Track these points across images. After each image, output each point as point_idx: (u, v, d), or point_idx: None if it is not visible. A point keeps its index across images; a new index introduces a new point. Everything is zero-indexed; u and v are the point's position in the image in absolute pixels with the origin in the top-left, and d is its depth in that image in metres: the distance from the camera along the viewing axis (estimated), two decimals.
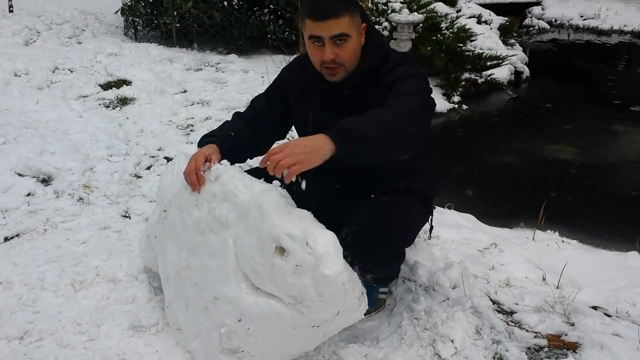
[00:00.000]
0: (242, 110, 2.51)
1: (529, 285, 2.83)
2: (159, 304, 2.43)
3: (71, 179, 3.52)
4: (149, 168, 3.79)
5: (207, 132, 2.39)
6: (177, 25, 6.36)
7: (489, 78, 5.84)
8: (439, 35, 5.72)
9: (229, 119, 2.46)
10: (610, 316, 2.52)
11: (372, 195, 2.25)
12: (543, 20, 9.21)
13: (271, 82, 2.46)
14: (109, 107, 4.74)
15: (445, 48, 5.65)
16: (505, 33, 6.86)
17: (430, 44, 5.61)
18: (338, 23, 1.99)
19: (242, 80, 5.50)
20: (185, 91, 5.19)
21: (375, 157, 1.86)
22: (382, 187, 2.25)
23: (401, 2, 6.09)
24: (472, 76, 5.82)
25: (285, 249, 1.81)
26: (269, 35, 6.28)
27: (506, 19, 7.18)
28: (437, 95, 5.60)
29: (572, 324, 2.38)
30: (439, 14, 6.03)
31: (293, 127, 2.47)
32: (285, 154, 1.76)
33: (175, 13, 6.28)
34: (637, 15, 9.36)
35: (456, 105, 5.56)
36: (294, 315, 1.87)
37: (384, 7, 6.01)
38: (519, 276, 2.89)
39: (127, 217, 3.18)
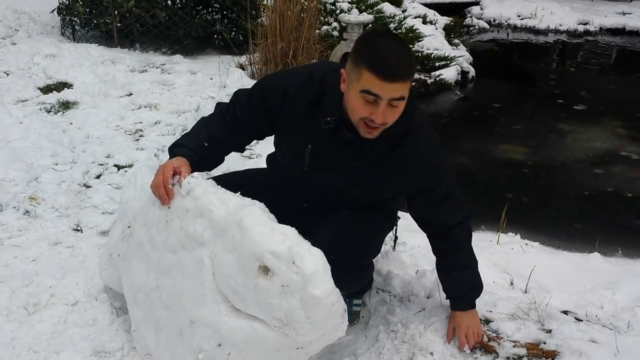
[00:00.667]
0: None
1: (498, 291, 2.81)
2: (122, 326, 2.29)
3: (15, 191, 3.31)
4: (98, 177, 3.60)
5: (179, 138, 2.21)
6: (118, 24, 6.13)
7: (437, 79, 5.85)
8: None
9: (208, 114, 2.28)
10: (581, 320, 2.53)
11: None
12: (482, 20, 9.34)
13: (257, 85, 2.20)
14: (50, 112, 4.50)
15: None
16: (450, 33, 6.91)
17: None
18: (403, 87, 1.78)
19: (190, 82, 5.33)
20: (131, 94, 4.99)
21: None
22: (351, 207, 2.17)
23: (349, 2, 6.04)
24: (422, 77, 5.82)
25: (270, 268, 1.72)
26: (216, 35, 6.12)
27: (450, 19, 7.24)
28: None
29: (549, 331, 2.36)
30: (387, 14, 6.01)
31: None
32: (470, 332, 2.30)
33: (116, 12, 6.05)
34: (571, 14, 9.62)
35: None
36: (278, 338, 1.78)
37: (332, 7, 5.94)
38: (487, 281, 2.86)
39: (78, 230, 3.01)
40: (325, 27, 5.75)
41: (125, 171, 3.66)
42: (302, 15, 5.25)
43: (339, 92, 1.94)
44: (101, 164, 3.75)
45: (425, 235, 2.33)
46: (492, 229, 3.51)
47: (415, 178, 2.04)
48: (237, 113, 2.19)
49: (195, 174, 2.02)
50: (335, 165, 2.04)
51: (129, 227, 2.19)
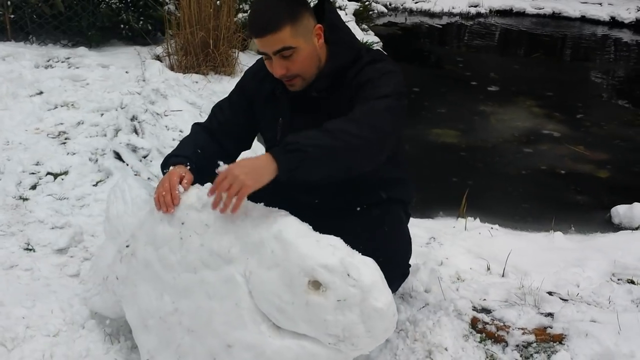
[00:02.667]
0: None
1: (479, 278, 2.84)
2: (120, 354, 2.10)
3: None
4: (34, 188, 3.28)
5: (170, 152, 2.11)
6: (12, 16, 5.62)
7: None
8: None
9: (188, 132, 2.22)
10: (566, 300, 2.60)
11: (358, 209, 2.11)
12: (379, 4, 9.43)
13: (235, 88, 2.23)
14: None
15: None
16: (359, 18, 6.91)
17: None
18: (277, 38, 1.84)
19: (104, 76, 4.97)
20: (42, 92, 4.57)
21: (327, 172, 1.73)
22: (365, 199, 2.12)
23: None
24: None
25: (322, 283, 1.61)
26: (122, 25, 5.76)
27: (359, 3, 7.24)
28: None
29: (549, 315, 2.41)
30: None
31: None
32: (229, 181, 1.67)
33: (9, 3, 5.53)
34: None
35: None
36: (330, 355, 1.68)
37: None
38: (465, 268, 2.90)
39: (30, 250, 2.74)
40: (241, 15, 5.56)
41: (62, 179, 3.36)
42: (218, 2, 5.05)
43: None
44: (33, 173, 3.41)
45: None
46: (450, 214, 3.55)
47: (359, 80, 1.91)
48: (218, 117, 2.19)
49: (207, 184, 1.86)
50: (303, 126, 1.89)
51: (127, 246, 1.99)
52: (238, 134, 2.19)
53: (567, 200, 3.93)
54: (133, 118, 3.95)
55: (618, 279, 2.87)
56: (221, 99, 2.28)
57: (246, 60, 5.28)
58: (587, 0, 10.33)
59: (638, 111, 5.67)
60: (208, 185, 1.84)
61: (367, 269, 1.61)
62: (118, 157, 3.48)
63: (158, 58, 5.23)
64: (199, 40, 4.98)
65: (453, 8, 9.62)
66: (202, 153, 2.07)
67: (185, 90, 4.65)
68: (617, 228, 3.56)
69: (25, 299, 2.34)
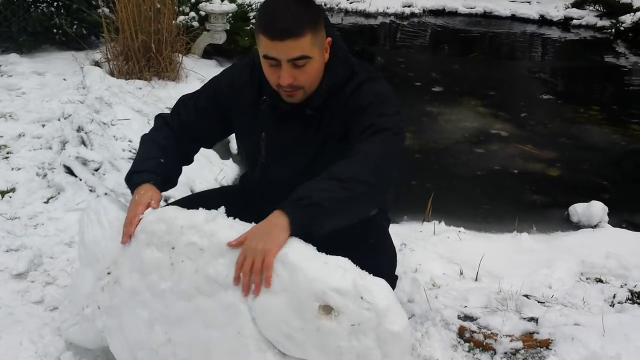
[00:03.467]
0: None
1: (453, 283, 2.84)
2: None
3: None
4: None
5: (134, 163, 2.01)
6: None
7: None
8: (252, 26, 5.50)
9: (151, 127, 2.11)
10: (543, 303, 2.62)
11: None
12: None
13: (202, 88, 2.10)
14: None
15: None
16: None
17: (247, 34, 5.37)
18: (298, 44, 1.71)
19: (40, 84, 4.71)
20: None
21: (340, 222, 1.67)
22: None
23: None
24: None
25: (334, 307, 1.53)
26: (55, 30, 5.48)
27: None
28: None
29: (533, 320, 2.41)
30: (247, 3, 5.79)
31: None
32: (250, 258, 1.58)
33: None
34: None
35: None
36: None
37: None
38: (439, 274, 2.88)
39: None
40: (182, 18, 5.39)
41: (10, 197, 3.15)
42: (158, 5, 4.88)
43: None
44: None
45: None
46: (414, 218, 3.52)
47: (355, 102, 1.84)
48: (182, 118, 2.06)
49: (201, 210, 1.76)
50: (289, 143, 1.93)
51: (108, 273, 1.86)
52: (199, 137, 2.09)
53: (524, 200, 3.98)
54: (79, 129, 3.75)
55: (587, 278, 2.92)
56: (187, 93, 2.14)
57: (190, 64, 5.12)
58: None
59: (578, 108, 5.83)
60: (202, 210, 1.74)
61: (381, 291, 1.54)
62: (69, 171, 3.28)
63: (97, 64, 5.01)
64: (139, 45, 4.79)
65: (387, 8, 9.68)
66: (166, 162, 1.98)
67: (129, 97, 4.46)
68: (576, 226, 3.62)
69: None
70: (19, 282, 2.51)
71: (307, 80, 1.79)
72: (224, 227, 1.70)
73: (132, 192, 1.91)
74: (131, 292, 1.79)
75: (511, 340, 2.30)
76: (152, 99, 4.58)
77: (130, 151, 3.74)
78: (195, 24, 5.37)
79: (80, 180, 3.21)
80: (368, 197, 1.70)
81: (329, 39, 1.83)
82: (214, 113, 2.03)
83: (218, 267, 1.66)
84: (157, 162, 1.96)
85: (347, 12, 9.63)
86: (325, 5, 9.54)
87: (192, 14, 5.46)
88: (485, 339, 2.31)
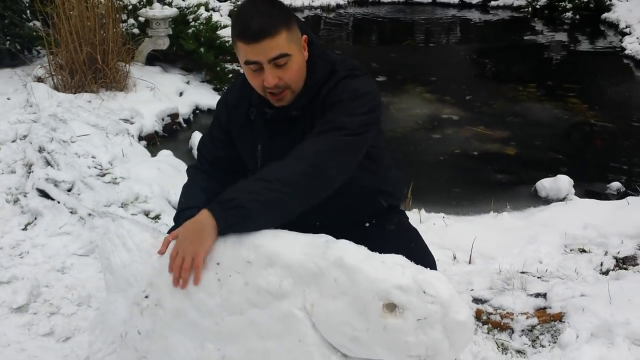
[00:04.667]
0: None
1: (450, 268, 2.91)
2: None
3: None
4: None
5: (180, 204, 2.00)
6: None
7: None
8: (194, 29, 5.41)
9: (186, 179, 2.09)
10: (540, 277, 2.73)
11: (367, 224, 2.06)
12: (238, 2, 9.31)
13: (212, 120, 2.12)
14: None
15: (204, 41, 5.38)
16: None
17: (190, 38, 5.28)
18: (275, 43, 1.71)
19: None
20: None
21: (268, 222, 1.69)
22: (367, 211, 2.07)
23: None
24: (235, 66, 5.64)
25: (398, 304, 1.55)
26: None
27: (233, 3, 7.09)
28: (209, 92, 5.34)
29: (542, 295, 2.51)
30: (184, 6, 5.69)
31: None
32: (180, 256, 1.66)
33: None
34: None
35: None
36: None
37: (119, 1, 5.43)
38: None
39: None
40: (123, 25, 5.24)
41: None
42: (102, 13, 4.73)
43: None
44: None
45: None
46: None
47: (331, 99, 1.82)
48: (205, 156, 2.08)
49: None
50: (282, 151, 1.85)
51: (146, 297, 1.81)
52: (230, 166, 2.06)
53: (491, 180, 4.11)
54: (40, 149, 3.60)
55: (571, 250, 3.06)
56: (204, 134, 2.15)
57: (137, 73, 4.99)
58: None
59: (517, 87, 6.05)
60: None
61: (442, 284, 1.57)
62: (43, 194, 3.15)
63: (40, 80, 4.80)
64: (84, 57, 4.63)
65: (312, 1, 9.73)
66: (208, 196, 1.94)
67: (82, 112, 4.33)
68: (545, 201, 3.78)
69: None
70: (21, 316, 2.40)
71: (292, 79, 1.78)
72: (269, 236, 1.69)
73: None
74: (175, 313, 1.74)
75: (527, 318, 2.38)
76: (104, 112, 4.45)
77: (95, 167, 3.63)
78: (136, 30, 5.23)
79: (58, 202, 3.08)
80: (297, 198, 1.69)
81: (305, 36, 1.84)
82: (226, 138, 2.02)
83: (269, 278, 1.64)
84: (202, 199, 1.93)
85: None
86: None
87: (131, 20, 5.31)
88: (502, 319, 2.39)
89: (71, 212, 3.05)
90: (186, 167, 2.15)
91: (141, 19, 5.28)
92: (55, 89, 4.68)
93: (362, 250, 1.63)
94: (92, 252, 2.82)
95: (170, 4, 5.58)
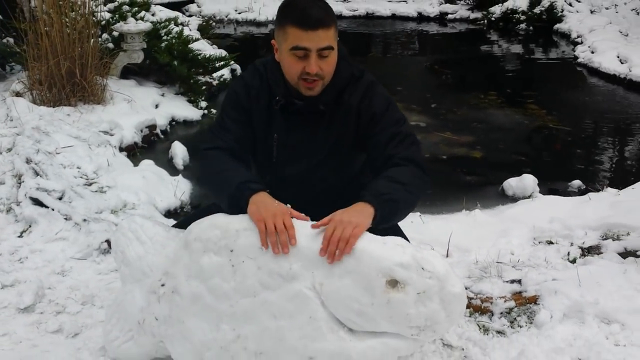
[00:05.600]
0: None
1: None
2: None
3: None
4: None
5: (232, 178, 1.94)
6: None
7: (221, 79, 5.88)
8: (167, 43, 5.55)
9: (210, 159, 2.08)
10: (514, 267, 2.94)
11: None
12: (202, 17, 9.45)
13: (223, 106, 2.17)
14: None
15: (177, 54, 5.51)
16: (203, 33, 6.92)
17: (164, 51, 5.41)
18: (327, 34, 1.90)
19: None
20: None
21: (405, 216, 1.99)
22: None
23: (108, 11, 5.69)
24: (207, 79, 5.79)
25: (400, 280, 1.74)
26: None
27: (201, 18, 7.24)
28: (183, 103, 5.47)
29: (518, 282, 2.72)
30: (158, 20, 5.82)
31: None
32: (340, 229, 1.75)
33: None
34: None
35: (205, 111, 5.49)
36: (410, 346, 1.82)
37: (93, 17, 5.53)
38: None
39: None
40: (95, 40, 5.33)
41: None
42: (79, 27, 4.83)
43: (278, 68, 2.03)
44: None
45: None
46: None
47: (367, 105, 2.05)
48: (233, 137, 2.09)
49: None
50: (300, 144, 2.09)
51: (162, 285, 1.95)
52: (251, 146, 2.16)
53: (461, 181, 4.34)
54: (28, 161, 3.69)
55: (539, 242, 3.27)
56: (212, 124, 2.22)
57: (114, 86, 5.10)
58: None
59: (478, 95, 6.33)
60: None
61: (438, 260, 1.76)
62: (37, 203, 3.25)
63: (18, 94, 4.86)
64: (64, 71, 4.72)
65: (274, 17, 9.91)
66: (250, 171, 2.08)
67: (63, 124, 4.41)
68: (512, 199, 4.02)
69: None
70: (29, 316, 2.50)
71: (328, 71, 1.97)
72: None
73: (245, 204, 1.86)
74: (192, 298, 1.89)
75: (505, 301, 2.58)
76: (83, 124, 4.54)
77: (81, 177, 3.74)
78: (111, 45, 5.33)
79: (52, 210, 3.18)
80: (419, 198, 1.99)
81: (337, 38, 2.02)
82: (246, 118, 2.10)
83: (280, 262, 1.81)
84: (250, 173, 2.05)
85: (237, 22, 9.79)
86: (214, 17, 9.63)
87: (105, 35, 5.42)
88: (482, 303, 2.58)
89: (66, 219, 3.15)
90: (202, 150, 2.11)
91: (115, 33, 5.39)
92: (33, 103, 4.76)
93: (365, 233, 1.81)
94: (90, 255, 2.93)
95: (142, 18, 5.70)
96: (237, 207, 1.88)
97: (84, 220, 3.11)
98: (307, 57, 1.90)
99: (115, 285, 2.71)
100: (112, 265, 2.86)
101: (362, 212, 1.80)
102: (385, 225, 1.86)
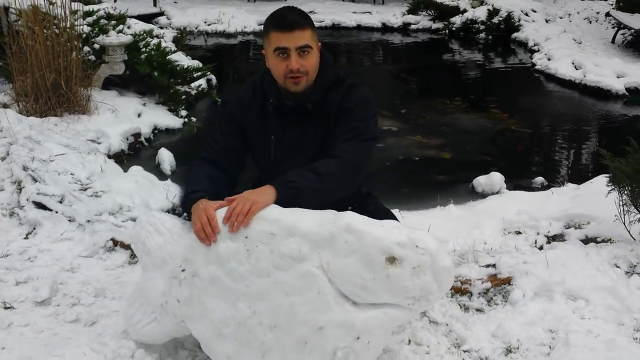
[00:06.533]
0: None
1: None
2: None
3: None
4: None
5: (186, 190, 2.29)
6: None
7: (199, 88, 6.10)
8: (146, 54, 5.74)
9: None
10: (488, 253, 3.23)
11: (350, 208, 2.48)
12: (172, 28, 9.63)
13: (221, 119, 2.49)
14: None
15: (157, 65, 5.71)
16: (178, 44, 7.13)
17: (144, 63, 5.61)
18: (303, 35, 2.19)
19: None
20: None
21: (311, 204, 2.15)
22: (352, 197, 2.44)
23: (88, 25, 5.86)
24: (186, 89, 6.00)
25: (397, 257, 1.98)
26: None
27: (176, 30, 7.44)
28: (164, 112, 5.67)
29: (492, 266, 3.00)
30: (136, 32, 6.01)
31: None
32: (240, 203, 2.07)
33: None
34: (250, 17, 10.54)
35: (186, 119, 5.69)
36: (406, 315, 2.07)
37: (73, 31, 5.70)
38: None
39: (10, 307, 2.68)
40: (79, 53, 5.51)
41: None
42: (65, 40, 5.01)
43: (270, 75, 2.32)
44: None
45: None
46: None
47: (345, 100, 2.30)
48: (214, 147, 2.42)
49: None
50: (295, 141, 2.35)
51: (182, 270, 2.17)
52: (236, 157, 2.44)
53: (433, 180, 4.63)
54: (25, 168, 3.86)
55: (508, 232, 3.57)
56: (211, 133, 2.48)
57: (98, 97, 5.28)
58: (357, 10, 11.52)
59: (444, 101, 6.69)
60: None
61: (429, 239, 2.02)
62: (40, 206, 3.42)
63: (5, 106, 5.00)
64: (50, 83, 4.89)
65: (245, 27, 10.19)
66: (213, 182, 2.31)
67: (52, 134, 4.58)
68: (482, 195, 4.33)
69: (47, 350, 2.36)
70: (46, 308, 2.68)
71: (309, 68, 2.24)
72: (287, 213, 2.10)
73: (189, 211, 2.19)
74: (211, 281, 2.12)
75: (482, 283, 2.86)
76: (70, 134, 4.71)
77: (76, 183, 3.91)
78: (92, 57, 5.51)
79: (56, 212, 3.37)
80: (337, 191, 2.22)
81: (320, 43, 2.31)
82: (237, 131, 2.41)
83: (290, 245, 2.04)
84: (208, 183, 2.30)
85: (207, 34, 10.00)
86: (184, 29, 9.82)
87: (86, 48, 5.59)
88: (462, 285, 2.86)
89: (69, 220, 3.34)
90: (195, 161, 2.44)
91: (96, 46, 5.57)
92: (22, 113, 4.91)
93: (365, 217, 2.07)
94: (96, 253, 3.12)
95: (121, 31, 5.89)
96: (186, 210, 2.25)
97: (88, 221, 3.29)
98: (288, 56, 2.19)
99: (123, 279, 2.92)
100: (119, 262, 3.07)
101: (263, 193, 2.10)
102: (293, 207, 2.10)
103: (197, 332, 2.18)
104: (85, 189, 3.86)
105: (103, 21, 6.04)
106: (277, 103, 2.32)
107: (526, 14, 10.83)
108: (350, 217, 2.04)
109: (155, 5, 10.80)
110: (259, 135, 2.39)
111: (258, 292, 2.08)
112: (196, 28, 9.98)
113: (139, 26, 6.94)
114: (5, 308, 2.67)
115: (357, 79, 2.42)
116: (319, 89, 2.31)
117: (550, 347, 2.47)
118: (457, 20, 10.68)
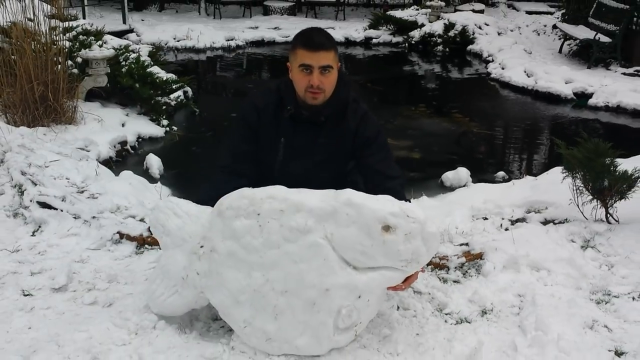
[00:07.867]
0: None
1: None
2: (199, 337, 2.52)
3: None
4: None
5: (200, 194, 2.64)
6: None
7: (178, 99, 6.38)
8: (127, 67, 6.00)
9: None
10: (461, 235, 3.59)
11: None
12: (143, 44, 9.85)
13: (235, 124, 2.78)
14: None
15: (138, 78, 5.97)
16: (153, 58, 7.36)
17: (126, 75, 5.86)
18: (327, 56, 2.51)
19: None
20: None
21: None
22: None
23: (68, 40, 6.08)
24: (166, 100, 6.26)
25: (391, 225, 2.31)
26: None
27: (150, 45, 7.69)
28: (147, 122, 5.93)
29: (466, 244, 3.36)
30: (117, 47, 6.26)
31: None
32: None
33: None
34: (217, 33, 10.82)
35: (167, 128, 5.96)
36: (401, 275, 2.39)
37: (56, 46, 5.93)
38: None
39: (29, 295, 2.87)
40: (64, 66, 5.74)
41: None
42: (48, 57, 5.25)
43: (291, 85, 2.63)
44: None
45: None
46: None
47: (362, 129, 2.68)
48: (233, 152, 2.72)
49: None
50: (305, 146, 2.66)
51: (201, 247, 2.46)
52: (251, 158, 2.73)
53: (406, 177, 4.97)
54: (23, 173, 4.08)
55: (477, 218, 3.94)
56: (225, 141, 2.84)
57: (84, 108, 5.51)
58: (321, 25, 11.79)
59: (410, 107, 7.11)
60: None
61: (418, 210, 2.36)
62: (45, 206, 3.66)
63: None
64: (38, 96, 5.11)
65: (214, 43, 10.46)
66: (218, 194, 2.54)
67: (44, 142, 4.79)
68: (450, 188, 4.71)
69: (72, 328, 2.59)
70: (63, 294, 2.90)
71: (328, 86, 2.56)
72: (294, 193, 2.41)
73: None
74: (227, 254, 2.41)
75: (457, 258, 3.21)
76: (60, 142, 4.93)
77: (72, 186, 4.15)
78: (75, 71, 5.74)
79: (62, 211, 3.60)
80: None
81: (339, 64, 2.63)
82: (251, 134, 2.70)
83: (298, 220, 2.35)
84: (212, 195, 2.56)
85: (177, 50, 10.25)
86: (154, 44, 10.05)
87: (69, 62, 5.82)
88: (440, 260, 3.20)
89: (75, 217, 3.58)
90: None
91: (79, 59, 5.80)
92: (9, 123, 5.11)
93: (362, 193, 2.39)
94: (104, 245, 3.36)
95: (101, 46, 6.13)
96: None
97: (93, 217, 3.54)
98: (311, 73, 2.49)
99: (132, 267, 3.17)
100: (126, 252, 3.32)
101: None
102: None
103: (215, 301, 2.46)
104: (82, 192, 4.10)
105: (82, 37, 6.28)
106: (295, 111, 2.63)
107: (480, 27, 11.35)
108: (350, 193, 2.36)
109: (124, 22, 11.03)
110: (270, 136, 2.68)
111: (270, 262, 2.37)
112: (166, 44, 10.21)
113: (114, 42, 7.16)
114: (25, 295, 2.88)
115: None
116: (333, 105, 2.62)
117: (519, 308, 2.82)
118: (416, 34, 11.18)
